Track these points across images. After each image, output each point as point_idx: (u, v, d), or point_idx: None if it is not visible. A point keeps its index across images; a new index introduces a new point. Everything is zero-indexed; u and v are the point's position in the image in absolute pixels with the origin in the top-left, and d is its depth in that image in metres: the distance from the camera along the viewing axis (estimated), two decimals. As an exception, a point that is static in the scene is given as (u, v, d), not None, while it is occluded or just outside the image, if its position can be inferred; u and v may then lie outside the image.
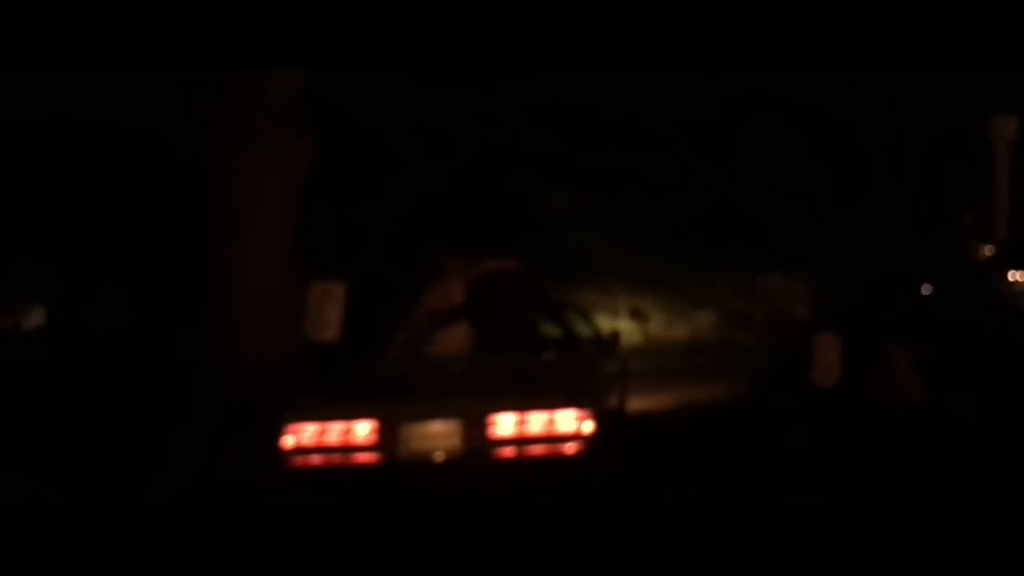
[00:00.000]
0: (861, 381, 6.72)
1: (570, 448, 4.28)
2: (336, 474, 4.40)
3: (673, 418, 7.68)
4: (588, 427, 4.29)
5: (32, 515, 4.39)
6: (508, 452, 4.32)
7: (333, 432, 4.38)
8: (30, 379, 9.89)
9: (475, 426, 4.32)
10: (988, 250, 13.28)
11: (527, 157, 11.35)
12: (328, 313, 6.87)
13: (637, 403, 7.17)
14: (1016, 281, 12.41)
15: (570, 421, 4.29)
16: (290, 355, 7.20)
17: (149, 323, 11.18)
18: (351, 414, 4.39)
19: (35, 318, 12.36)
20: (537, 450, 4.31)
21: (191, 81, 7.26)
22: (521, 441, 4.31)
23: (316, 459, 4.42)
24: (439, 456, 4.37)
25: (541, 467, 4.32)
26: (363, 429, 4.36)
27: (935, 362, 6.98)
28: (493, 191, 11.30)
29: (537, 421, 4.30)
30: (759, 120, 11.77)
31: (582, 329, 6.35)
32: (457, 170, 11.20)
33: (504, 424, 4.31)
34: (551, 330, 6.03)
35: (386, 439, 4.35)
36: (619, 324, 10.97)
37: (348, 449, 4.38)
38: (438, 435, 4.36)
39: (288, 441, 4.43)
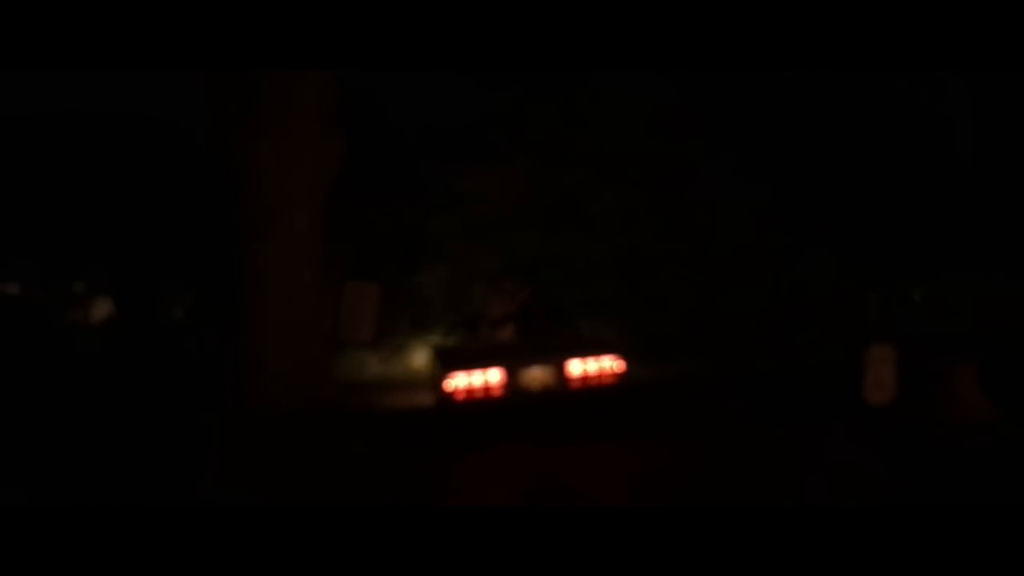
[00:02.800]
0: (920, 400, 6.30)
1: (611, 378, 7.76)
2: (480, 401, 7.75)
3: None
4: (621, 366, 7.77)
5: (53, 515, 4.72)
6: (576, 383, 7.77)
7: (478, 378, 7.75)
8: (88, 370, 11.12)
9: (558, 369, 7.75)
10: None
11: (577, 156, 11.09)
12: (362, 313, 7.28)
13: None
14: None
15: (611, 363, 7.76)
16: (315, 354, 7.37)
17: (209, 319, 12.05)
18: (487, 367, 7.76)
19: (102, 311, 13.75)
20: (593, 380, 7.76)
21: (222, 80, 7.31)
22: (584, 377, 7.77)
23: (466, 394, 7.78)
24: (537, 387, 7.77)
25: (596, 391, 7.77)
26: (496, 375, 7.73)
27: (1005, 380, 6.34)
28: (542, 191, 11.16)
29: (593, 364, 7.76)
30: (823, 114, 11.15)
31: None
32: (504, 170, 11.07)
33: (574, 367, 7.75)
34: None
35: (509, 380, 7.74)
36: (670, 325, 11.18)
37: (488, 388, 7.75)
38: (538, 376, 7.75)
39: (449, 385, 7.77)
